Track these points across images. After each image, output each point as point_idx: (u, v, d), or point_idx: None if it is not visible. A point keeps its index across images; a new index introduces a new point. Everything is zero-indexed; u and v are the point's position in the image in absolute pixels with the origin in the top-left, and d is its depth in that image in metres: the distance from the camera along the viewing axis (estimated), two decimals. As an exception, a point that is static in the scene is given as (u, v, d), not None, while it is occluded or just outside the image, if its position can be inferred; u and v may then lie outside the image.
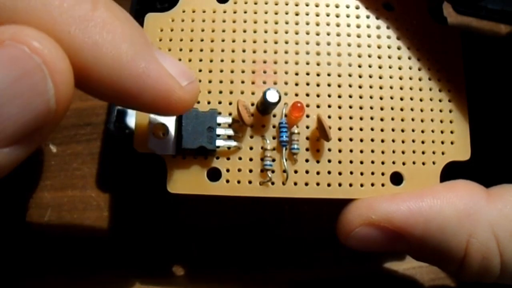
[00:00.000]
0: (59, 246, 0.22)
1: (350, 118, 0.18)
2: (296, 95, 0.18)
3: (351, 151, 0.18)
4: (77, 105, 0.24)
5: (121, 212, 0.23)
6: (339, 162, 0.18)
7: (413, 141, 0.18)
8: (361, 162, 0.18)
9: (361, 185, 0.18)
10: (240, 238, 0.23)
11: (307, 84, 0.18)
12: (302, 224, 0.23)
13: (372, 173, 0.18)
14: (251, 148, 0.18)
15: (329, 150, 0.18)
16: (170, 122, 0.18)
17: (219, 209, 0.23)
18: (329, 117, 0.18)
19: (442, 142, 0.18)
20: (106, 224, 0.23)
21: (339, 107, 0.18)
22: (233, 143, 0.18)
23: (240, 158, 0.18)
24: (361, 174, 0.18)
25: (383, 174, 0.18)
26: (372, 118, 0.18)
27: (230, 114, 0.18)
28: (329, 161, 0.18)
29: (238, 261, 0.22)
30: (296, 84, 0.18)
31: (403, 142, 0.18)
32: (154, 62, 0.14)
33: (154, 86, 0.14)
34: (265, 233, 0.23)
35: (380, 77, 0.19)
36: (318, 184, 0.18)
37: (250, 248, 0.23)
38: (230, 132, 0.18)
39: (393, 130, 0.18)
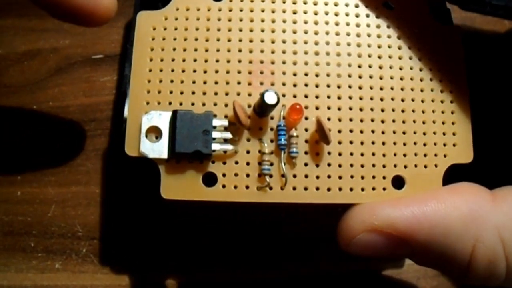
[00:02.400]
0: (62, 242, 0.22)
1: (350, 120, 0.18)
2: (295, 96, 0.18)
3: (351, 154, 0.17)
4: (81, 101, 0.24)
5: (122, 209, 0.23)
6: (339, 165, 0.17)
7: (415, 143, 0.18)
8: (362, 166, 0.17)
9: (362, 189, 0.17)
10: (239, 237, 0.22)
11: (306, 85, 0.18)
12: (302, 223, 0.22)
13: (373, 177, 0.17)
14: (248, 152, 0.17)
15: (329, 153, 0.17)
16: (163, 124, 0.17)
17: (218, 209, 0.22)
18: (329, 119, 0.18)
19: (444, 145, 0.18)
20: (109, 219, 0.23)
21: (339, 109, 0.18)
22: (229, 147, 0.17)
23: (236, 162, 0.17)
24: (362, 178, 0.17)
25: (384, 177, 0.17)
26: (372, 120, 0.18)
27: (226, 117, 0.17)
28: (329, 164, 0.17)
29: (237, 261, 0.22)
30: (294, 85, 0.18)
31: (404, 144, 0.18)
32: None
33: None
34: (264, 232, 0.22)
35: (381, 78, 0.18)
36: (317, 188, 0.17)
37: (249, 248, 0.22)
38: (226, 135, 0.17)
39: (394, 132, 0.18)
